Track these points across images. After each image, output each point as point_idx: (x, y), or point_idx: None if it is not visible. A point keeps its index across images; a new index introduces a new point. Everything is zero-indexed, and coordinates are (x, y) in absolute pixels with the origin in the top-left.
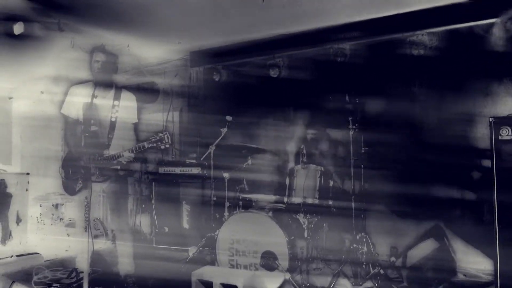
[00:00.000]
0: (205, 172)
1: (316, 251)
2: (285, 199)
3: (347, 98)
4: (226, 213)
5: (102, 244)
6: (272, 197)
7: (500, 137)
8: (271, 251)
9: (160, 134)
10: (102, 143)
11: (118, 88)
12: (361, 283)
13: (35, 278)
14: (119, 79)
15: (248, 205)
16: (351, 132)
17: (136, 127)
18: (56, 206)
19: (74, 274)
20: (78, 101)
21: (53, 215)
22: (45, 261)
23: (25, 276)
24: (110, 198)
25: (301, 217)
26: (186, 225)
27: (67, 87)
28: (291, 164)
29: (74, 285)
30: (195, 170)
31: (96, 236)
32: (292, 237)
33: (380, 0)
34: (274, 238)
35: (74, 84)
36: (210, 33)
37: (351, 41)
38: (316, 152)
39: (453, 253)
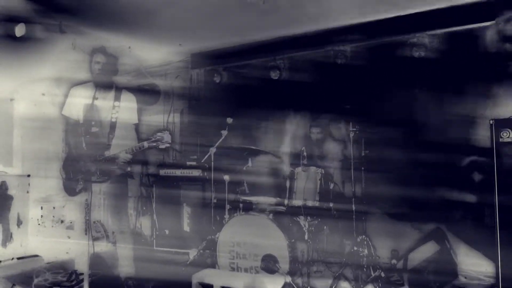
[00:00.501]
0: (205, 174)
1: (317, 254)
2: (286, 202)
3: (347, 101)
4: (226, 216)
5: (103, 247)
6: (273, 200)
7: (500, 139)
8: (272, 254)
9: (160, 134)
10: (102, 144)
11: (119, 89)
12: (362, 286)
13: (35, 280)
14: (119, 80)
15: (248, 208)
16: (351, 135)
17: (137, 128)
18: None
19: (73, 276)
20: (79, 102)
21: (53, 217)
22: (45, 263)
23: (25, 278)
24: (110, 199)
25: (301, 220)
26: (186, 227)
27: (68, 88)
28: (291, 167)
29: (74, 287)
30: (196, 172)
31: (97, 239)
32: (293, 240)
33: (380, 3)
34: (275, 241)
35: (75, 85)
36: (211, 35)
37: (352, 43)
38: (316, 155)
39: (454, 256)
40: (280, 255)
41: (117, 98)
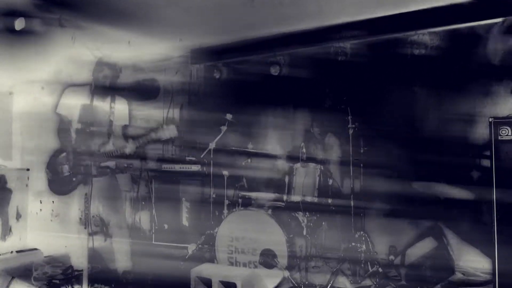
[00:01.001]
0: (204, 169)
1: (315, 249)
2: (285, 197)
3: (347, 97)
4: (225, 211)
5: (102, 241)
6: (272, 195)
7: (499, 137)
8: (270, 249)
9: (165, 126)
10: (98, 143)
11: (114, 91)
12: (359, 281)
13: (34, 274)
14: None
15: (247, 203)
16: (350, 131)
17: (125, 128)
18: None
19: (70, 271)
20: (74, 102)
21: (53, 211)
22: (44, 257)
23: (24, 271)
24: (108, 194)
25: (300, 215)
26: (185, 222)
27: (63, 88)
28: (290, 163)
29: (73, 280)
30: (195, 168)
31: (96, 233)
32: (291, 235)
33: (381, 0)
34: (273, 236)
35: (70, 86)
36: (211, 30)
37: (352, 40)
38: (315, 151)
39: (452, 252)
40: (279, 250)
41: (112, 100)
